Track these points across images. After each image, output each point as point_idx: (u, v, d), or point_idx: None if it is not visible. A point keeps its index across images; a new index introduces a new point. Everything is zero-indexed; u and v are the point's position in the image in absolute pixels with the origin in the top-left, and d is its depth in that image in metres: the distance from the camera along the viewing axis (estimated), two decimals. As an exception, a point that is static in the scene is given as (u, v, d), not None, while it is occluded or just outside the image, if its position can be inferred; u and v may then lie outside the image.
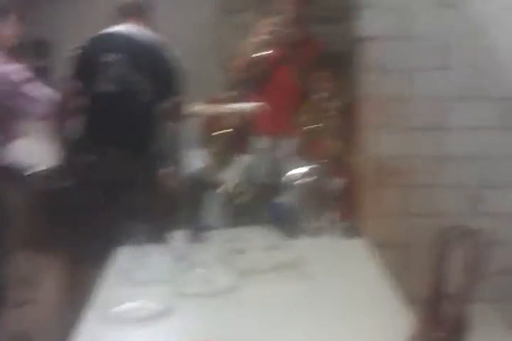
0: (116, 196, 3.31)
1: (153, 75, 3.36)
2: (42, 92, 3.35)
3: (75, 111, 3.45)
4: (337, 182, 3.20)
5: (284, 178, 4.30)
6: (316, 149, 3.33)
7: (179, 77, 3.45)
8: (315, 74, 3.68)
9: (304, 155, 3.64)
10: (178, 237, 2.48)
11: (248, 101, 4.46)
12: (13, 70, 3.37)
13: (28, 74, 3.41)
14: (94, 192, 3.31)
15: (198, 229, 2.88)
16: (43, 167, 3.58)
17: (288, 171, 3.96)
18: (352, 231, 3.06)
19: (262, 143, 4.64)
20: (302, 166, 3.29)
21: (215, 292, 2.21)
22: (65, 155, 3.42)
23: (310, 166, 3.23)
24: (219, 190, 4.52)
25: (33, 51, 5.09)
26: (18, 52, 4.24)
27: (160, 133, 3.72)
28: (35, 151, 3.66)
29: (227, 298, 2.19)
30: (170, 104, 3.46)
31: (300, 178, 3.17)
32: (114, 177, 3.32)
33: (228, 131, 4.71)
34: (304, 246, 2.68)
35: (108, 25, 3.48)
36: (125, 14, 3.47)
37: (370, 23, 2.80)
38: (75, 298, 3.39)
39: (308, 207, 3.15)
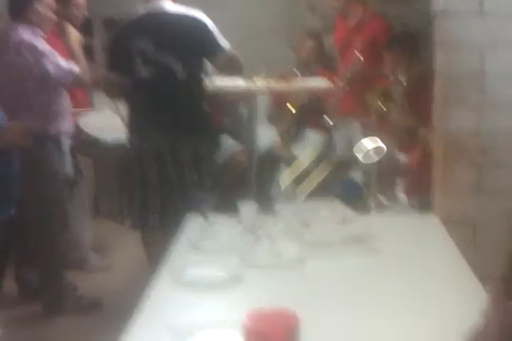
0: (184, 169, 3.36)
1: (187, 49, 3.31)
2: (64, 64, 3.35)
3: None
4: (406, 158, 3.17)
5: (355, 154, 4.30)
6: (386, 126, 3.29)
7: (212, 34, 3.34)
8: (387, 54, 3.63)
9: (374, 132, 3.60)
10: (248, 209, 2.49)
11: (317, 78, 4.44)
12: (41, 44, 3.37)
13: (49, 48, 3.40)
14: (161, 164, 3.36)
15: (267, 201, 2.89)
16: (112, 139, 3.65)
17: (359, 148, 3.94)
18: (422, 207, 3.03)
19: (333, 120, 4.62)
20: (373, 143, 3.26)
21: (281, 264, 2.23)
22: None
23: (380, 142, 3.19)
24: (290, 165, 4.54)
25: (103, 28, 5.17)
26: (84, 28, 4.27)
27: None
28: (106, 124, 3.73)
29: (294, 270, 2.20)
30: (223, 59, 3.38)
31: (371, 154, 3.14)
32: (179, 153, 3.35)
33: (298, 107, 4.71)
34: (373, 221, 2.66)
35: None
36: None
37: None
38: (147, 264, 3.50)
39: (378, 182, 3.13)
